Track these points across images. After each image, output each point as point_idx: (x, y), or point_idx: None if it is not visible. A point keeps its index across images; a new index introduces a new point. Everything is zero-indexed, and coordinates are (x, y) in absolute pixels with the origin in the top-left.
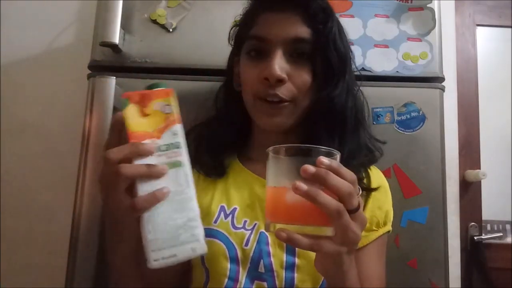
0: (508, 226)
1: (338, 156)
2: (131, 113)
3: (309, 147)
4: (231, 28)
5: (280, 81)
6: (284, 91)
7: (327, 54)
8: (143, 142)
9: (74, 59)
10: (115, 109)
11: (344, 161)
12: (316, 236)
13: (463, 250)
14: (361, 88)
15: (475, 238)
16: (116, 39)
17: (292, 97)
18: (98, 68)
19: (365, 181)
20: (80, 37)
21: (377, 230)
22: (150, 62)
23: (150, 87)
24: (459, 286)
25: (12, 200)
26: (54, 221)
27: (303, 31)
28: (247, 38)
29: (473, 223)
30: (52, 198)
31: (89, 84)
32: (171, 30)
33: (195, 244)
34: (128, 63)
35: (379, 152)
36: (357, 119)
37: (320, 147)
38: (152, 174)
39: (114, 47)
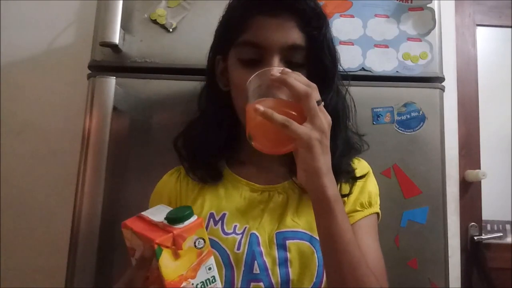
0: (508, 226)
1: None
2: (166, 261)
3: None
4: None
5: None
6: None
7: (321, 59)
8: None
9: (74, 59)
10: (115, 109)
11: (336, 160)
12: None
13: (463, 250)
14: (361, 88)
15: (475, 238)
16: (116, 39)
17: None
18: (98, 68)
19: (355, 171)
20: (80, 37)
21: (362, 211)
22: (150, 62)
23: (179, 218)
24: (459, 286)
25: (12, 200)
26: (54, 221)
27: (299, 37)
28: (239, 43)
29: (473, 223)
30: (52, 198)
31: (89, 84)
32: (171, 30)
33: None
34: (128, 63)
35: (362, 146)
36: (346, 119)
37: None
38: None
39: (114, 47)
